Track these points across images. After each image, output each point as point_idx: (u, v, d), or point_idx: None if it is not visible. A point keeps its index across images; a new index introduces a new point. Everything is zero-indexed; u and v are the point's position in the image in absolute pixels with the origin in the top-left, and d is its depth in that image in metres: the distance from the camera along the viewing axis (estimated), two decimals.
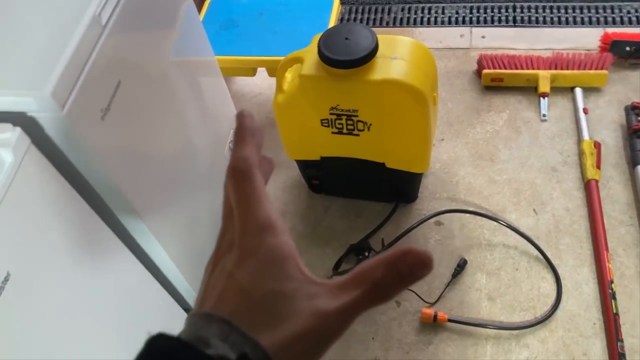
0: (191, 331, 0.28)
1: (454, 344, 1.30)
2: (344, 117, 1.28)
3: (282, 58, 1.55)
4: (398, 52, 1.22)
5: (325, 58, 1.18)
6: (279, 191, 1.64)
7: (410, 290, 1.38)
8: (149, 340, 0.28)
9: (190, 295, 1.29)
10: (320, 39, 1.21)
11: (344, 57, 1.17)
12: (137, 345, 0.28)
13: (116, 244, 1.00)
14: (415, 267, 0.28)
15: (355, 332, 1.34)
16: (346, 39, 1.20)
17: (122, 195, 0.97)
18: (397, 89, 1.19)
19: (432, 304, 1.36)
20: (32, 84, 0.78)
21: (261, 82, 1.93)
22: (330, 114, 1.28)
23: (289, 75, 1.33)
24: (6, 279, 0.72)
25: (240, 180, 0.32)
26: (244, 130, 0.35)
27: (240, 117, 0.35)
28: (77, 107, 0.82)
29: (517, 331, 1.29)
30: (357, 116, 1.26)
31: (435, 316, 1.31)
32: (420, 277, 0.29)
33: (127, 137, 1.00)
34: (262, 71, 1.71)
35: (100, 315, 0.96)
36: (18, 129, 0.75)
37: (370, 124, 1.27)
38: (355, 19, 2.11)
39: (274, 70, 1.62)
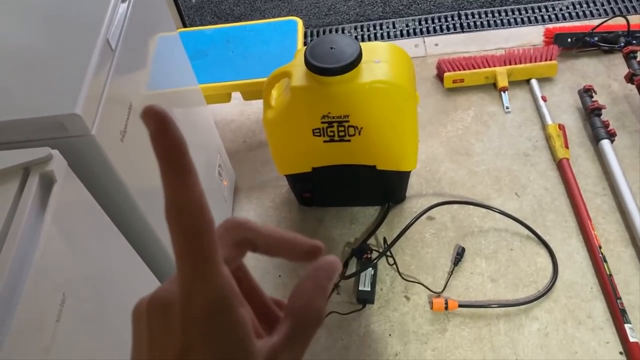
0: None
1: (468, 327, 1.35)
2: (335, 124, 1.32)
3: (256, 80, 1.60)
4: (379, 56, 1.29)
5: (314, 67, 1.23)
6: (270, 210, 1.66)
7: (418, 282, 1.42)
8: None
9: None
10: (305, 51, 1.26)
11: (333, 65, 1.22)
12: None
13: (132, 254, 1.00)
14: (331, 269, 0.29)
15: (372, 332, 1.37)
16: (331, 48, 1.26)
17: (140, 214, 0.97)
18: (385, 88, 1.25)
19: (439, 294, 1.41)
20: (62, 108, 0.79)
21: (231, 109, 1.96)
22: (322, 122, 1.32)
23: (274, 92, 1.37)
24: (63, 302, 0.71)
25: (190, 235, 0.25)
26: (176, 146, 0.24)
27: (160, 119, 0.23)
28: (102, 128, 0.83)
29: (524, 306, 1.36)
30: (348, 121, 1.31)
31: (447, 304, 1.36)
32: (335, 274, 0.29)
33: (140, 159, 1.00)
34: (234, 97, 1.75)
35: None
36: (56, 152, 0.76)
37: (361, 128, 1.33)
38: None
39: (250, 93, 1.67)
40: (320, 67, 1.23)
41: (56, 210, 0.72)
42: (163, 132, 0.23)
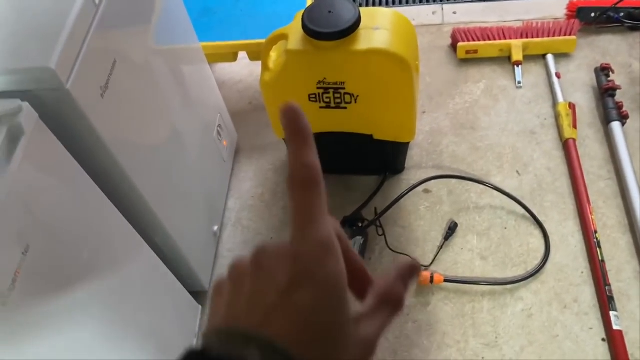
0: (225, 350, 0.25)
1: (452, 302, 1.35)
2: (331, 91, 1.31)
3: (263, 40, 1.58)
4: (379, 22, 1.26)
5: (310, 31, 1.21)
6: (269, 173, 1.67)
7: (406, 254, 1.42)
8: (183, 359, 0.26)
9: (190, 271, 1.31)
10: (304, 14, 1.24)
11: (329, 30, 1.20)
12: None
13: (117, 216, 1.02)
14: (413, 269, 0.33)
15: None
16: (329, 12, 1.23)
17: (120, 167, 0.99)
18: (381, 57, 1.22)
19: (427, 267, 1.40)
20: (35, 60, 0.80)
21: (241, 70, 1.95)
22: (318, 88, 1.31)
23: (273, 54, 1.36)
24: (26, 251, 0.73)
25: (306, 188, 0.29)
26: (302, 130, 0.30)
27: (292, 113, 0.30)
28: (79, 83, 0.84)
29: (510, 285, 1.35)
30: (344, 89, 1.30)
31: (432, 278, 1.35)
32: (416, 275, 0.33)
33: (123, 117, 1.01)
34: (241, 58, 1.73)
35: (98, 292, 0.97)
36: (26, 104, 0.77)
37: (357, 96, 1.31)
38: None
39: (255, 54, 1.65)
40: (316, 32, 1.21)
41: (23, 160, 0.74)
42: (293, 121, 0.30)
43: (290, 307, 0.27)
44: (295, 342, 0.26)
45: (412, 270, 0.33)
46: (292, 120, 0.30)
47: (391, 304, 0.31)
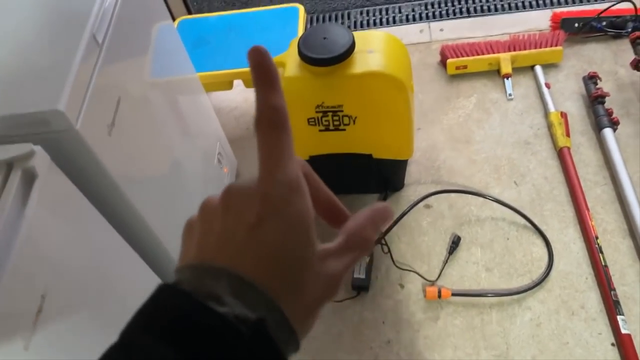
0: (197, 285, 0.27)
1: (461, 316, 1.36)
2: (329, 114, 1.33)
3: None
4: (373, 45, 1.29)
5: (307, 58, 1.24)
6: None
7: (412, 270, 1.43)
8: (156, 292, 0.27)
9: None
10: (299, 41, 1.27)
11: (325, 55, 1.23)
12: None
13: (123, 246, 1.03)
14: (386, 215, 0.34)
15: (365, 319, 1.39)
16: (324, 38, 1.26)
17: (130, 205, 1.00)
18: (378, 79, 1.25)
19: (434, 282, 1.42)
20: (44, 104, 0.81)
21: (236, 96, 1.97)
22: (317, 112, 1.33)
23: None
24: (45, 294, 0.74)
25: (272, 130, 0.30)
26: (269, 72, 0.30)
27: (258, 54, 0.30)
28: (88, 123, 0.85)
29: (517, 295, 1.36)
30: (342, 111, 1.32)
31: (439, 292, 1.37)
32: (388, 220, 0.34)
33: (129, 152, 1.03)
34: (236, 85, 1.76)
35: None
36: (38, 147, 0.78)
37: (356, 117, 1.33)
38: None
39: (251, 81, 1.67)
40: (313, 58, 1.23)
41: (38, 204, 0.75)
42: (259, 63, 0.30)
43: (257, 243, 0.28)
44: (262, 275, 0.27)
45: (384, 215, 0.33)
46: (258, 63, 0.30)
47: (359, 245, 0.32)
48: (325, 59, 1.23)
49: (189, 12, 2.10)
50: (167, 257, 1.15)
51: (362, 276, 1.43)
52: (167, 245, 1.13)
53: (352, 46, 1.24)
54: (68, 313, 0.80)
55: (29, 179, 0.75)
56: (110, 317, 0.89)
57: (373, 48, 1.28)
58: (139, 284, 1.05)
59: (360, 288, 1.43)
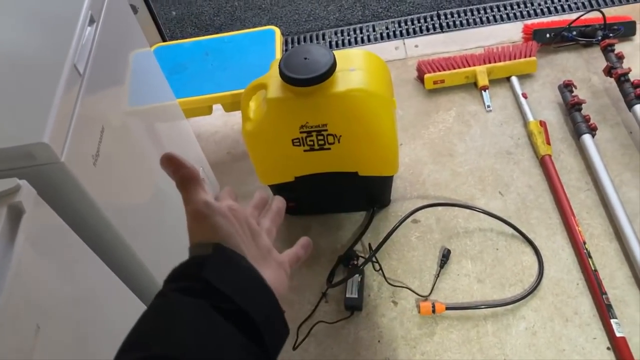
0: (197, 251, 0.44)
1: (456, 329, 1.35)
2: (314, 134, 1.33)
3: (236, 92, 1.60)
4: (354, 63, 1.30)
5: (289, 79, 1.24)
6: None
7: (404, 286, 1.42)
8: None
9: None
10: (280, 62, 1.26)
11: (307, 75, 1.22)
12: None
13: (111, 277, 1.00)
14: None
15: (361, 339, 1.37)
16: (305, 58, 1.26)
17: (117, 234, 0.97)
18: (361, 97, 1.25)
19: (427, 297, 1.41)
20: (28, 137, 0.79)
21: (215, 121, 1.96)
22: (301, 132, 1.32)
23: (252, 104, 1.37)
24: (38, 328, 0.71)
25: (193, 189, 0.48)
26: (190, 171, 0.49)
27: (174, 163, 0.49)
28: (73, 154, 0.83)
29: (511, 305, 1.36)
30: (326, 130, 1.32)
31: (434, 307, 1.36)
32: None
33: (114, 182, 1.00)
34: (215, 109, 1.75)
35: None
36: (24, 182, 0.75)
37: (340, 136, 1.33)
38: None
39: (230, 105, 1.66)
40: (295, 78, 1.23)
41: (25, 241, 0.72)
42: (175, 170, 0.48)
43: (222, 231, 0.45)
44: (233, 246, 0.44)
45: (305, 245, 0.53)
46: (177, 167, 0.48)
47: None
48: (308, 78, 1.23)
49: (163, 39, 2.09)
50: (152, 282, 1.12)
51: (355, 295, 1.42)
52: (153, 272, 1.10)
53: (333, 65, 1.24)
54: (60, 350, 0.77)
55: (16, 215, 0.73)
56: (97, 345, 0.86)
57: (354, 66, 1.29)
58: (126, 311, 1.02)
59: (354, 308, 1.41)
